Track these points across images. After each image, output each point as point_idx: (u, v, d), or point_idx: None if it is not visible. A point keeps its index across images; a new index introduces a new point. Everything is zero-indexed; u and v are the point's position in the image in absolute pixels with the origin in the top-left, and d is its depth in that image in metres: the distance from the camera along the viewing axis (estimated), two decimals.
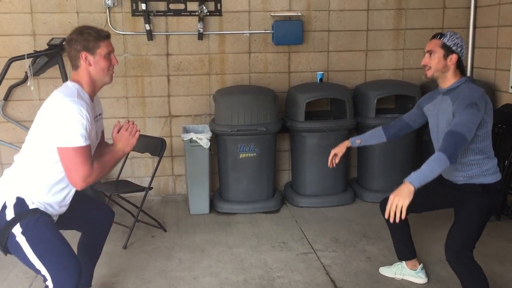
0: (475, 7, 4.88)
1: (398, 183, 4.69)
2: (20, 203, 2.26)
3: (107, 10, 4.48)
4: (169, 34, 4.64)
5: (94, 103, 2.47)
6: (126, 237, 3.76)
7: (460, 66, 2.67)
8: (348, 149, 4.67)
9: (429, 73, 2.67)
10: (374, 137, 3.17)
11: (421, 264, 3.18)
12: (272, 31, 4.72)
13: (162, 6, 4.58)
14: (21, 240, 2.21)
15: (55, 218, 2.41)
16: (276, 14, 4.69)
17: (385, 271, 3.26)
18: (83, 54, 2.34)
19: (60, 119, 2.22)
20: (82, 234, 2.77)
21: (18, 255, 2.26)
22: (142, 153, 4.28)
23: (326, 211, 4.42)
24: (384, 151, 4.56)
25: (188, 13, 4.61)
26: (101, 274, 3.28)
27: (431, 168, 2.43)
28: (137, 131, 2.48)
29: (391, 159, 4.59)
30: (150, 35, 4.56)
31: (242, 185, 4.40)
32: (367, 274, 3.28)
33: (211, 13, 4.63)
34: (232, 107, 4.28)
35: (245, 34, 4.74)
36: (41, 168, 2.31)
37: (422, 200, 2.90)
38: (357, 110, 4.60)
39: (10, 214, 2.23)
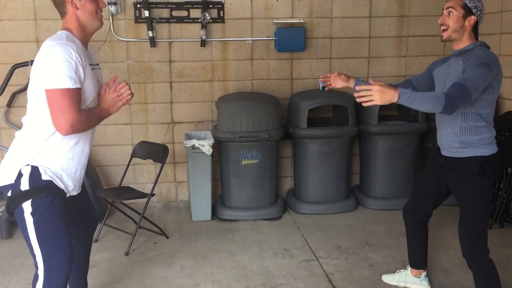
0: None
1: (400, 190, 4.72)
2: (34, 174, 2.20)
3: (111, 17, 4.50)
4: (172, 41, 4.66)
5: (89, 51, 2.40)
6: (128, 243, 3.76)
7: (475, 30, 2.62)
8: (351, 156, 4.72)
9: (446, 34, 2.60)
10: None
11: (425, 272, 3.16)
12: (274, 38, 4.73)
13: (165, 13, 4.60)
14: (28, 219, 2.19)
15: (68, 194, 2.33)
16: (278, 21, 4.71)
17: (388, 278, 3.25)
18: None
19: (47, 61, 2.14)
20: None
21: (22, 229, 2.24)
22: (145, 159, 4.28)
23: (329, 218, 4.40)
24: (387, 158, 4.55)
25: (191, 20, 4.63)
26: (102, 281, 3.28)
27: (425, 100, 2.38)
28: (129, 95, 2.38)
29: (394, 166, 4.58)
30: (153, 42, 4.58)
31: (244, 192, 4.39)
32: (369, 282, 3.26)
33: (214, 20, 4.65)
34: (235, 113, 4.29)
35: (247, 41, 4.76)
36: (46, 121, 2.21)
37: (431, 189, 2.89)
38: (359, 117, 4.60)
39: (24, 185, 2.19)
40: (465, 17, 2.56)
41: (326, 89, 3.05)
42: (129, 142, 4.70)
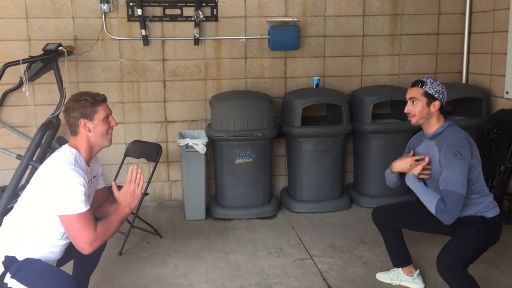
0: (470, 13, 4.91)
1: (394, 189, 4.71)
2: (8, 259, 2.25)
3: (103, 15, 4.47)
4: (165, 40, 4.64)
5: (90, 166, 2.48)
6: (122, 243, 3.74)
7: (442, 111, 2.73)
8: (344, 155, 4.73)
9: (414, 120, 2.75)
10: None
11: (418, 270, 3.17)
12: (268, 37, 4.72)
13: (158, 11, 4.57)
14: (13, 283, 2.19)
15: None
16: (272, 20, 4.70)
17: (382, 277, 3.25)
18: (82, 121, 2.36)
19: (61, 187, 2.23)
20: (74, 263, 2.72)
21: None
22: (138, 158, 4.26)
23: (323, 217, 4.41)
24: (381, 156, 4.56)
25: (184, 19, 4.61)
26: (96, 281, 3.25)
27: (426, 200, 2.64)
28: (141, 180, 2.44)
29: (388, 164, 4.52)
30: (146, 40, 4.56)
31: (238, 191, 4.39)
32: (364, 280, 3.27)
33: (207, 19, 4.63)
34: (228, 112, 4.28)
35: (241, 40, 4.74)
36: (36, 232, 2.29)
37: (419, 221, 2.92)
38: (353, 115, 4.61)
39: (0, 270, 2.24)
40: (429, 103, 2.70)
41: None
42: (122, 141, 4.68)
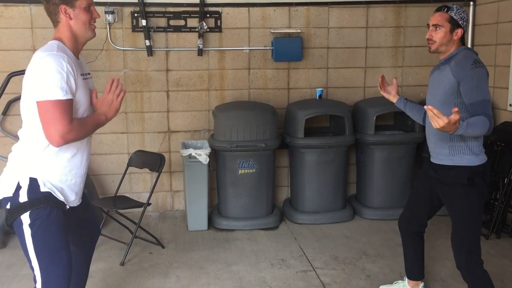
0: (473, 25, 4.92)
1: (397, 200, 4.71)
2: (33, 186, 2.19)
3: (108, 25, 4.50)
4: (169, 50, 4.66)
5: (80, 60, 2.38)
6: (124, 253, 3.73)
7: (462, 40, 2.65)
8: (347, 166, 4.73)
9: (433, 47, 2.64)
10: (415, 112, 3.03)
11: (422, 283, 3.15)
12: (271, 48, 4.74)
13: (162, 22, 4.60)
14: (27, 231, 2.16)
15: (68, 206, 2.31)
16: (275, 31, 4.72)
17: None
18: (62, 7, 2.24)
19: (38, 72, 2.12)
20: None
21: (20, 241, 2.21)
22: (141, 168, 4.26)
23: (325, 228, 4.39)
24: (384, 168, 4.55)
25: (188, 29, 4.63)
26: None
27: (478, 128, 2.40)
28: (121, 92, 2.36)
29: (391, 176, 4.58)
30: (150, 50, 4.58)
31: (241, 201, 4.38)
32: None
33: (211, 30, 4.65)
34: (232, 123, 4.28)
35: (244, 51, 4.76)
36: (41, 136, 2.18)
37: (424, 200, 2.89)
38: (356, 127, 4.61)
39: (23, 197, 2.17)
40: (452, 30, 2.60)
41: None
42: (125, 151, 4.68)
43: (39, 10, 4.40)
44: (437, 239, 3.98)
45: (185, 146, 4.47)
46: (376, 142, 4.51)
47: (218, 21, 4.67)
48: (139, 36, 4.59)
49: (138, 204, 3.91)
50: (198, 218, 4.34)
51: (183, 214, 4.73)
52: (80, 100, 2.25)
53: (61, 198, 2.26)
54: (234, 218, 4.40)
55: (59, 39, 2.28)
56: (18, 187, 2.19)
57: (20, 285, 3.32)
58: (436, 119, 2.23)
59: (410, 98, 4.81)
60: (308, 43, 4.83)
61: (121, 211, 4.00)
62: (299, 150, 4.46)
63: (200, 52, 4.66)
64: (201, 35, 4.60)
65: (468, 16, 2.65)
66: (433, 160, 2.75)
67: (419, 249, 3.07)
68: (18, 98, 4.35)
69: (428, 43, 2.66)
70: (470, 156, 2.59)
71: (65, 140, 2.14)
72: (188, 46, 4.67)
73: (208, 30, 4.63)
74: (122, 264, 3.67)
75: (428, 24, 2.67)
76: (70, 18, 2.26)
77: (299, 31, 4.75)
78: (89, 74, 2.44)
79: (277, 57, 4.72)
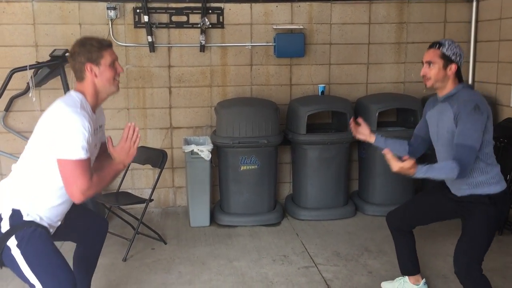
0: (476, 22, 4.91)
1: (399, 196, 4.71)
2: (15, 215, 2.22)
3: (110, 22, 4.49)
4: (171, 46, 4.66)
5: (96, 114, 2.44)
6: (126, 249, 3.74)
7: (458, 74, 2.66)
8: (350, 162, 4.72)
9: (429, 84, 2.66)
10: (396, 146, 3.02)
11: (424, 279, 3.15)
12: (274, 44, 4.73)
13: (164, 18, 4.60)
14: (16, 253, 2.18)
15: (52, 230, 2.37)
16: (278, 27, 4.71)
17: (387, 286, 3.23)
18: (88, 65, 2.31)
19: (62, 130, 2.18)
20: (77, 245, 2.73)
21: (13, 268, 2.22)
22: (143, 164, 4.27)
23: (327, 224, 4.39)
24: (386, 164, 4.51)
25: (191, 25, 4.63)
26: (100, 287, 3.26)
27: (441, 172, 2.52)
28: (137, 138, 2.40)
29: (393, 172, 4.54)
30: (152, 47, 4.58)
31: (243, 198, 4.38)
32: None
33: (213, 26, 4.65)
34: (234, 119, 4.28)
35: (247, 47, 4.76)
36: (42, 180, 2.27)
37: (429, 211, 2.90)
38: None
39: (5, 226, 2.20)
40: (445, 66, 2.62)
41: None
42: None
43: (41, 6, 4.41)
44: (439, 235, 3.98)
45: (187, 142, 4.47)
46: None
47: (220, 17, 4.66)
48: (141, 32, 4.59)
49: (141, 200, 3.92)
50: (200, 214, 4.35)
51: (185, 210, 4.74)
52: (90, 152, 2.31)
53: (45, 225, 2.29)
54: (236, 214, 4.40)
55: (82, 92, 2.34)
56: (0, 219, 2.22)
57: None
58: (391, 163, 2.45)
59: (412, 94, 4.86)
60: (310, 39, 4.82)
61: (123, 207, 4.01)
62: (301, 147, 4.46)
63: (202, 48, 4.65)
64: (203, 31, 4.60)
65: (461, 51, 2.66)
66: (453, 191, 2.76)
67: (410, 244, 3.07)
68: (20, 94, 4.38)
69: (424, 80, 2.70)
70: (489, 186, 2.61)
71: (86, 196, 2.23)
72: (190, 42, 4.66)
73: (210, 26, 4.62)
74: (125, 260, 3.68)
75: (422, 61, 2.70)
76: (96, 76, 2.33)
77: (302, 27, 4.74)
78: (101, 126, 2.52)
79: (279, 53, 4.71)
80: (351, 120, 3.09)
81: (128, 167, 4.27)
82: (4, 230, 2.20)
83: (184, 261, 3.68)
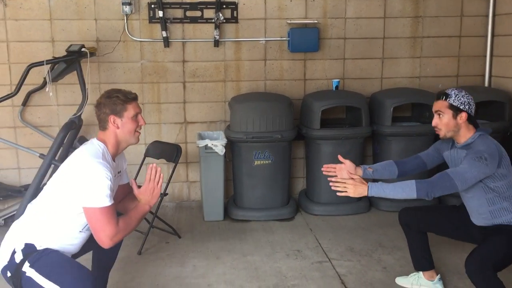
0: (493, 15, 4.84)
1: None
2: (28, 247, 2.28)
3: (125, 17, 4.52)
4: (185, 41, 4.67)
5: (116, 161, 2.53)
6: (141, 243, 3.77)
7: (471, 121, 2.68)
8: (364, 157, 4.70)
9: (441, 134, 2.71)
10: (386, 170, 3.03)
11: (439, 275, 3.13)
12: (288, 39, 4.72)
13: (179, 13, 4.61)
14: (31, 273, 2.22)
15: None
16: (292, 22, 4.69)
17: (402, 281, 3.22)
18: (111, 117, 2.41)
19: (88, 179, 2.27)
20: (93, 251, 2.77)
21: None
22: (158, 159, 4.29)
23: (341, 220, 4.38)
24: (400, 160, 4.50)
25: (205, 21, 4.64)
26: (116, 280, 3.29)
27: (395, 191, 2.60)
28: (160, 178, 2.47)
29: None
30: (166, 42, 4.60)
31: (257, 192, 4.39)
32: (383, 284, 3.24)
33: (227, 21, 4.65)
34: (248, 114, 4.28)
35: (261, 41, 4.75)
36: (60, 223, 2.34)
37: (446, 228, 2.91)
38: (373, 118, 4.57)
39: (19, 258, 2.26)
40: (455, 116, 2.64)
41: None
42: (142, 141, 4.71)
43: (57, 2, 4.45)
44: None
45: (202, 137, 4.49)
46: (393, 134, 4.48)
47: (235, 12, 4.66)
48: (156, 27, 4.61)
49: None
50: (214, 209, 4.37)
51: (199, 205, 4.77)
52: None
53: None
54: (250, 208, 4.41)
55: (103, 141, 2.44)
56: (13, 252, 2.28)
57: None
58: (341, 186, 2.64)
59: (428, 88, 4.81)
60: (324, 34, 4.80)
61: None
62: (315, 142, 4.45)
63: (217, 43, 4.66)
64: (217, 26, 4.60)
65: (470, 98, 2.66)
66: (474, 221, 2.77)
67: (423, 240, 3.06)
68: (37, 89, 4.43)
69: (436, 131, 2.72)
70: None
71: (114, 242, 2.31)
72: (204, 37, 4.67)
73: (224, 21, 4.63)
74: (140, 253, 3.72)
75: (432, 111, 2.73)
76: (118, 127, 2.42)
77: (316, 21, 4.72)
78: (119, 172, 2.59)
79: (293, 48, 4.70)
80: (324, 167, 3.03)
81: (143, 161, 4.31)
82: (18, 260, 2.26)
83: (198, 255, 3.71)
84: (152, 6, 4.55)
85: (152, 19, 4.58)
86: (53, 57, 4.34)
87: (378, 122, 4.54)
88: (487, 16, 4.87)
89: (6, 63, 4.48)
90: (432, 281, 3.11)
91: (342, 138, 4.40)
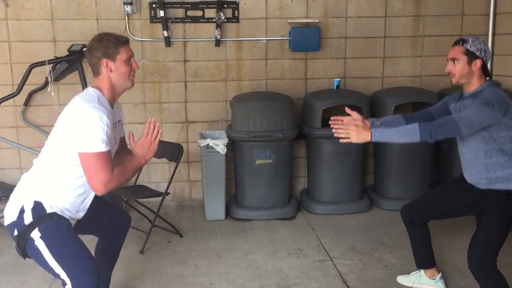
0: (494, 14, 4.84)
1: (415, 191, 4.68)
2: (37, 207, 2.27)
3: (126, 17, 4.53)
4: (186, 41, 4.68)
5: (114, 109, 2.48)
6: (143, 242, 3.79)
7: (485, 70, 2.65)
8: (365, 156, 4.70)
9: (454, 80, 2.66)
10: (394, 123, 2.91)
11: (440, 273, 3.14)
12: (289, 38, 4.73)
13: (180, 13, 4.62)
14: (40, 244, 2.23)
15: (73, 222, 2.42)
16: (293, 21, 4.70)
17: (403, 279, 3.23)
18: (104, 60, 2.36)
19: (82, 124, 2.24)
20: (99, 239, 2.79)
21: (37, 259, 2.28)
22: (159, 158, 4.30)
23: (343, 219, 4.39)
24: (402, 159, 4.52)
25: (206, 20, 4.64)
26: (118, 279, 3.31)
27: (399, 135, 2.55)
28: (158, 133, 2.46)
29: (409, 166, 4.55)
30: (168, 41, 4.60)
31: (258, 192, 4.40)
32: (384, 283, 3.25)
33: (228, 20, 4.66)
34: (249, 113, 4.29)
35: (262, 41, 4.76)
36: (61, 172, 2.33)
37: (444, 206, 2.89)
38: (374, 117, 4.57)
39: (28, 219, 2.25)
40: (470, 62, 2.61)
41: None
42: None
43: (59, 2, 4.46)
44: (456, 230, 3.95)
45: (203, 136, 4.50)
46: None
47: (236, 12, 4.67)
48: (157, 27, 4.62)
49: (157, 194, 3.96)
50: (215, 208, 4.38)
51: (201, 204, 4.78)
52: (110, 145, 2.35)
53: (66, 216, 2.35)
54: (251, 208, 4.42)
55: (98, 88, 2.40)
56: (22, 211, 2.27)
57: (43, 271, 3.38)
58: (344, 132, 2.62)
59: (429, 87, 4.81)
60: (325, 33, 4.80)
61: (140, 200, 4.06)
62: (317, 141, 4.46)
63: (218, 42, 4.67)
64: (218, 26, 4.61)
65: (485, 46, 2.64)
66: (467, 177, 2.76)
67: (425, 237, 3.07)
68: (39, 89, 4.44)
69: (449, 77, 2.69)
70: (509, 182, 2.59)
71: (107, 189, 2.27)
72: (205, 37, 4.68)
73: (225, 20, 4.63)
74: (142, 252, 3.73)
75: (447, 58, 2.70)
76: (111, 71, 2.38)
77: (317, 21, 4.72)
78: (120, 121, 2.56)
79: (294, 47, 4.70)
80: (333, 119, 2.89)
81: None
82: (27, 222, 2.25)
83: (200, 254, 3.72)
84: (153, 5, 4.56)
85: (153, 18, 4.59)
86: (55, 57, 4.36)
87: None
88: (488, 15, 4.87)
89: (8, 63, 4.49)
90: (433, 279, 3.12)
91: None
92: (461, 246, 3.70)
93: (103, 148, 2.23)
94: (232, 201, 4.56)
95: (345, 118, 2.85)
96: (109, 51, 2.36)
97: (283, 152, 4.38)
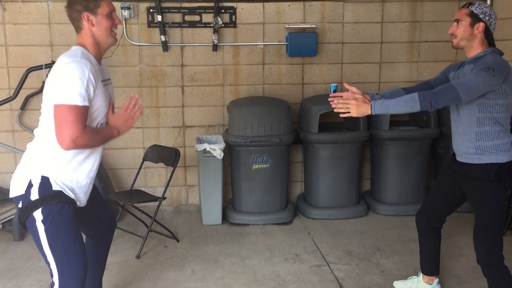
0: None
1: (411, 196, 4.68)
2: (44, 184, 2.23)
3: (124, 21, 4.53)
4: (184, 45, 4.69)
5: (102, 66, 2.42)
6: (139, 246, 3.77)
7: (488, 36, 2.62)
8: (362, 161, 4.71)
9: (455, 41, 2.64)
10: (394, 96, 2.86)
11: (437, 279, 3.14)
12: (286, 43, 4.74)
13: (177, 17, 4.63)
14: (40, 227, 2.21)
15: (79, 203, 2.37)
16: (290, 26, 4.72)
17: (400, 285, 3.23)
18: (85, 14, 2.29)
19: (60, 76, 2.17)
20: (87, 240, 2.72)
21: (34, 238, 2.26)
22: (156, 163, 4.30)
23: (339, 223, 4.39)
24: (398, 164, 4.53)
25: (203, 25, 4.65)
26: (113, 283, 3.30)
27: (399, 105, 2.51)
28: (138, 110, 2.41)
29: (405, 171, 4.56)
30: (165, 46, 4.61)
31: (255, 196, 4.40)
32: None
33: (225, 25, 4.67)
34: (246, 118, 4.30)
35: (259, 46, 4.77)
36: (54, 141, 2.23)
37: (444, 195, 2.88)
38: (370, 122, 4.59)
39: (34, 195, 2.22)
40: (472, 24, 2.59)
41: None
42: (141, 145, 4.73)
43: (56, 6, 4.46)
44: (453, 235, 3.96)
45: (200, 141, 4.50)
46: (390, 138, 4.50)
47: (233, 17, 4.68)
48: (154, 32, 4.62)
49: (154, 198, 3.95)
50: (212, 213, 4.38)
51: (198, 209, 4.77)
52: (100, 106, 2.29)
53: (72, 196, 2.30)
54: (248, 212, 4.42)
55: (82, 45, 2.33)
56: (30, 185, 2.24)
57: (39, 276, 3.39)
58: (344, 107, 2.56)
59: None
60: (322, 38, 4.82)
61: (136, 205, 4.05)
62: (313, 145, 4.46)
63: (215, 47, 4.68)
64: (216, 31, 4.62)
65: (492, 11, 2.62)
66: (459, 158, 2.73)
67: (436, 245, 3.06)
68: (36, 93, 4.44)
69: (451, 38, 2.67)
70: (497, 154, 2.57)
71: (75, 145, 2.17)
72: (203, 42, 4.69)
73: (223, 25, 4.64)
74: (138, 257, 3.72)
75: (453, 20, 2.69)
76: (93, 25, 2.31)
77: (314, 26, 4.74)
78: (109, 80, 2.48)
79: (291, 52, 4.72)
80: (332, 95, 2.79)
81: (141, 166, 4.32)
82: (33, 198, 2.22)
83: (197, 258, 3.71)
84: (151, 10, 4.57)
85: (150, 23, 4.60)
86: (52, 61, 4.36)
87: (376, 126, 4.56)
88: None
89: (5, 67, 4.48)
90: (430, 284, 3.12)
91: (340, 142, 4.41)
92: (458, 251, 3.73)
93: (79, 102, 2.13)
94: (229, 206, 4.56)
95: (345, 93, 2.76)
96: (89, 5, 2.29)
97: (280, 157, 4.38)
